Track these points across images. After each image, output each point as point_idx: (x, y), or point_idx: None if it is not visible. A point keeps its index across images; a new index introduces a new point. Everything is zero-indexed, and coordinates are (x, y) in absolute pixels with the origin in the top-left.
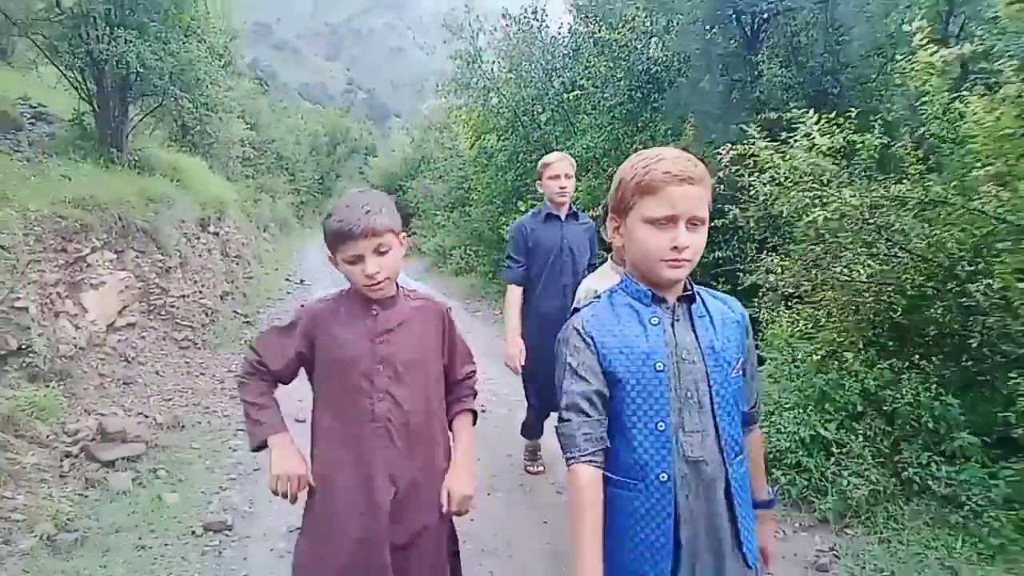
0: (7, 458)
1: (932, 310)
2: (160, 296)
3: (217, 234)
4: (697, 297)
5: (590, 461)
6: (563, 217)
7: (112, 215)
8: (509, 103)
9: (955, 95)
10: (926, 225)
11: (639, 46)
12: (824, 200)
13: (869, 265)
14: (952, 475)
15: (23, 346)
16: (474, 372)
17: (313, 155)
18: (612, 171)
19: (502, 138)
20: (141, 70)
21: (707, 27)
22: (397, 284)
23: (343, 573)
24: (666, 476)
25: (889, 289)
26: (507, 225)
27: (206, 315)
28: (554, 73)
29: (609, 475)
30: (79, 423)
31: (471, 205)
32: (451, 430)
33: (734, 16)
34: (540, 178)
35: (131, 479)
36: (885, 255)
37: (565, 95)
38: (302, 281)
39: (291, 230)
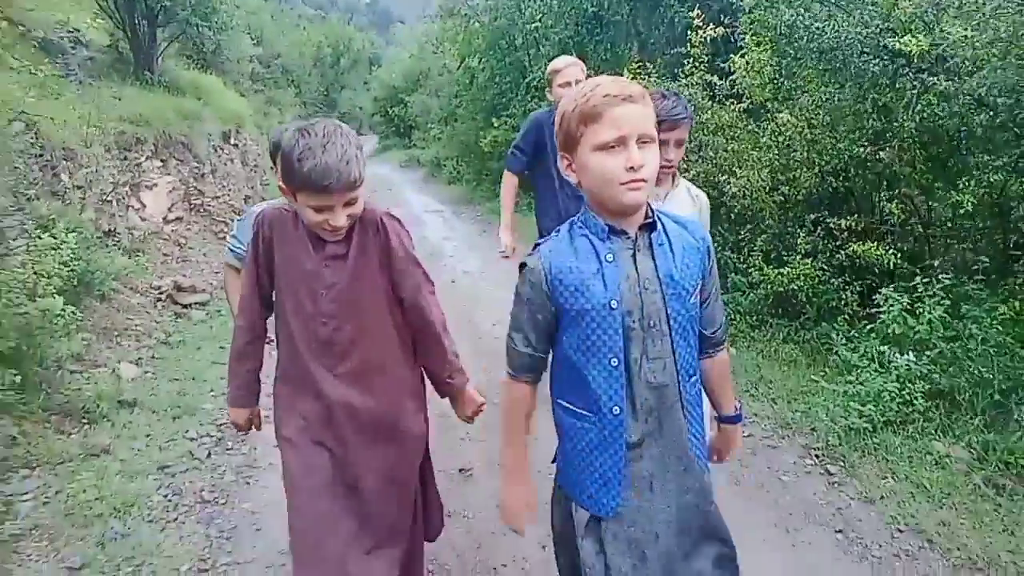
0: (123, 299)
1: None
2: (198, 197)
3: (237, 145)
4: (658, 224)
5: (525, 381)
6: None
7: (157, 129)
8: (487, 29)
9: None
10: None
11: None
12: None
13: None
14: None
15: (111, 229)
16: (445, 344)
17: (317, 67)
18: None
19: (482, 60)
20: (166, 3)
21: None
22: None
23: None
24: (618, 409)
25: None
26: (486, 139)
27: (234, 212)
28: (524, 4)
29: (566, 405)
30: (161, 281)
31: (459, 120)
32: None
33: None
34: (550, 85)
35: (204, 313)
36: None
37: (530, 25)
38: None
39: None
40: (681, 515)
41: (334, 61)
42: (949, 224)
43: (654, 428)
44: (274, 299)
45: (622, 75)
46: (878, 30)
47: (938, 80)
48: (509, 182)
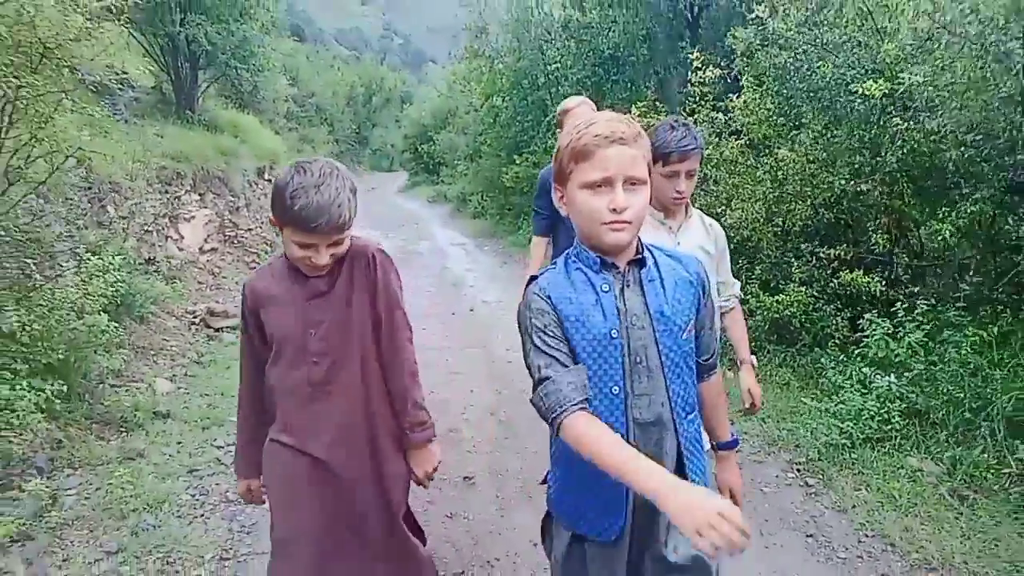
0: (160, 321)
1: None
2: (232, 229)
3: (270, 181)
4: (649, 260)
5: (580, 409)
6: None
7: (195, 165)
8: (510, 70)
9: None
10: None
11: (603, 31)
12: None
13: None
14: None
15: (151, 257)
16: (414, 372)
17: (350, 106)
18: None
19: (506, 99)
20: (208, 47)
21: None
22: None
23: (316, 542)
24: (620, 436)
25: None
26: (508, 175)
27: (267, 244)
28: (546, 46)
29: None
30: (195, 307)
31: (483, 156)
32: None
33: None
34: (560, 126)
35: (235, 336)
36: None
37: (552, 66)
38: None
39: None
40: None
41: (366, 100)
42: (934, 254)
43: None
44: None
45: (629, 112)
46: (862, 72)
47: (901, 121)
48: (539, 247)
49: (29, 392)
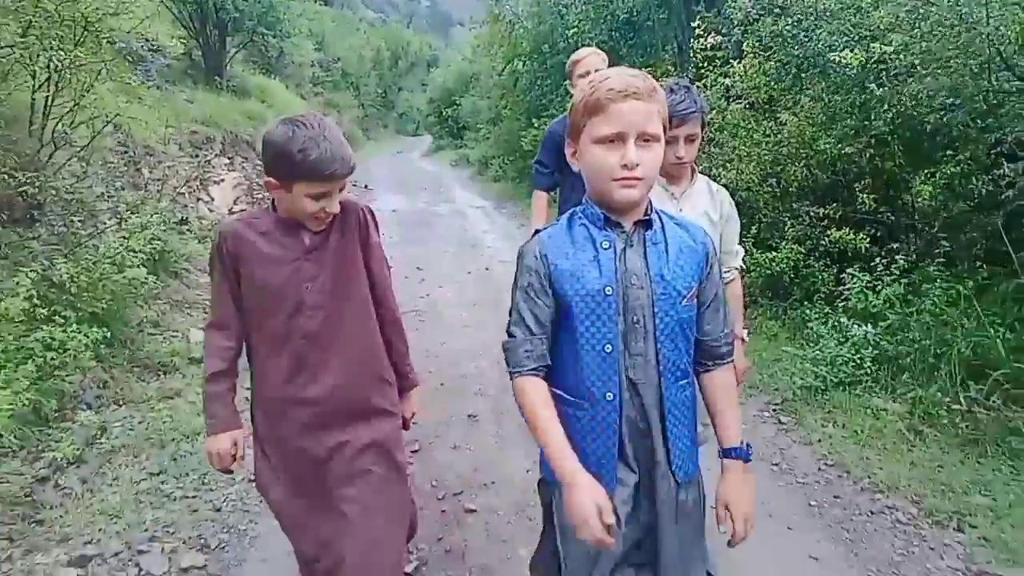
0: (192, 277)
1: None
2: (260, 191)
3: None
4: (656, 222)
5: (532, 374)
6: None
7: (224, 130)
8: (530, 34)
9: None
10: None
11: None
12: None
13: None
14: None
15: (183, 218)
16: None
17: (375, 70)
18: None
19: (526, 63)
20: (236, 14)
21: None
22: None
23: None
24: (612, 395)
25: None
26: (527, 138)
27: None
28: (565, 10)
29: (559, 393)
30: None
31: (504, 120)
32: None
33: None
34: (570, 77)
35: None
36: None
37: (570, 31)
38: (366, 186)
39: (357, 141)
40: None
41: (392, 63)
42: (918, 212)
43: (636, 425)
44: (244, 307)
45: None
46: (854, 39)
47: (877, 87)
48: (539, 201)
49: (80, 335)
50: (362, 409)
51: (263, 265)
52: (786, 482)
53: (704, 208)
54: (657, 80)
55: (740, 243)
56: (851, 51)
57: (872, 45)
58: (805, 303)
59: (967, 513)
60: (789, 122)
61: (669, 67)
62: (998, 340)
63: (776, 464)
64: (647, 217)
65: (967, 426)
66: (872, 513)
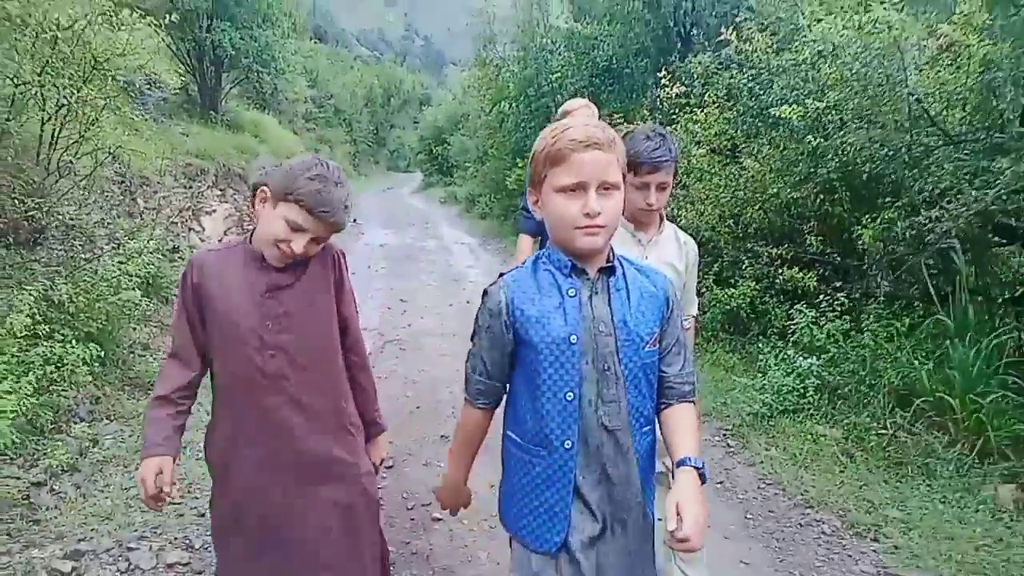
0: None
1: None
2: (250, 223)
3: None
4: (619, 269)
5: (483, 408)
6: None
7: (217, 162)
8: (516, 78)
9: None
10: None
11: (600, 44)
12: None
13: None
14: None
15: (175, 246)
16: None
17: (368, 107)
18: None
19: (512, 105)
20: (232, 52)
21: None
22: None
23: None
24: (570, 443)
25: None
26: (512, 177)
27: None
28: (549, 56)
29: (516, 439)
30: None
31: (490, 160)
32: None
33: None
34: None
35: None
36: None
37: (553, 75)
38: (355, 220)
39: (348, 177)
40: (632, 567)
41: (384, 101)
42: (860, 254)
43: (615, 474)
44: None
45: (628, 120)
46: (804, 94)
47: (813, 139)
48: (524, 244)
49: (77, 351)
50: (321, 460)
51: (226, 298)
52: (727, 498)
53: (670, 258)
54: (634, 123)
55: (700, 279)
56: (789, 106)
57: (807, 101)
58: (760, 337)
59: (883, 525)
60: (750, 167)
61: (646, 112)
62: (923, 372)
63: (720, 483)
64: (610, 264)
65: (893, 449)
66: (801, 525)
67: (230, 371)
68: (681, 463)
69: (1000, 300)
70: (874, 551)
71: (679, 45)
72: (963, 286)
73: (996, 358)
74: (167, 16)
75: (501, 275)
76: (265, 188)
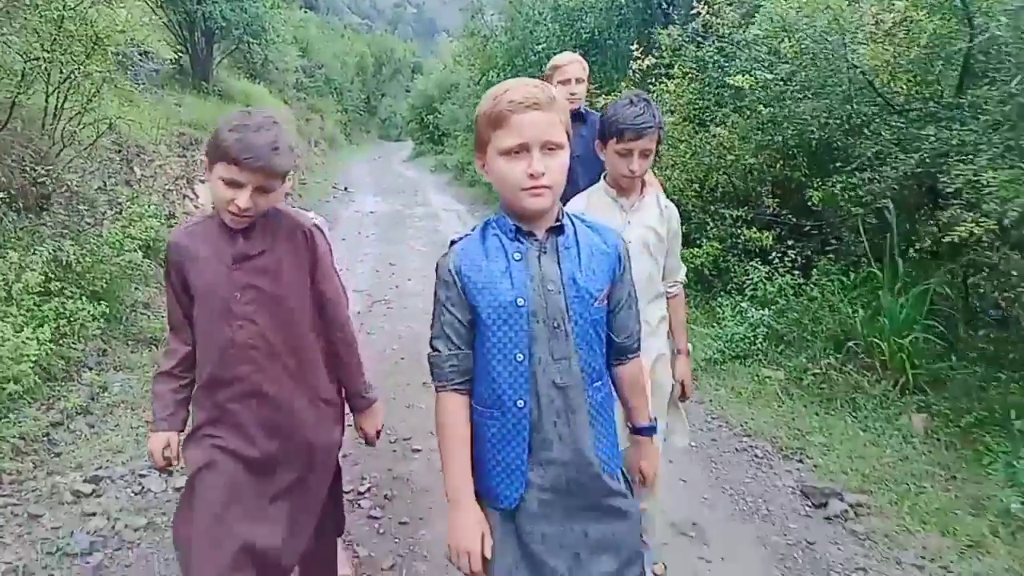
0: None
1: None
2: None
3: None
4: (569, 228)
5: (456, 390)
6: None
7: (210, 132)
8: (503, 48)
9: None
10: None
11: (583, 16)
12: None
13: None
14: None
15: (171, 212)
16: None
17: (359, 76)
18: None
19: (500, 75)
20: (223, 23)
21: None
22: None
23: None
24: (523, 403)
25: None
26: None
27: None
28: (535, 27)
29: (473, 404)
30: None
31: None
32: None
33: None
34: (549, 81)
35: None
36: None
37: (539, 46)
38: (345, 189)
39: (339, 146)
40: (585, 523)
41: (376, 70)
42: (812, 215)
43: (564, 432)
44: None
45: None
46: (765, 65)
47: (764, 107)
48: None
49: (88, 307)
50: (289, 425)
51: (197, 271)
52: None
53: (652, 223)
54: (616, 92)
55: None
56: (742, 76)
57: (756, 72)
58: (722, 293)
59: (807, 449)
60: (719, 135)
61: (623, 84)
62: (857, 319)
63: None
64: (559, 223)
65: (826, 387)
66: (737, 450)
67: (206, 342)
68: (639, 431)
69: (929, 255)
70: (797, 469)
71: (662, 17)
72: (895, 243)
73: (920, 306)
74: None
75: (452, 243)
76: (205, 157)
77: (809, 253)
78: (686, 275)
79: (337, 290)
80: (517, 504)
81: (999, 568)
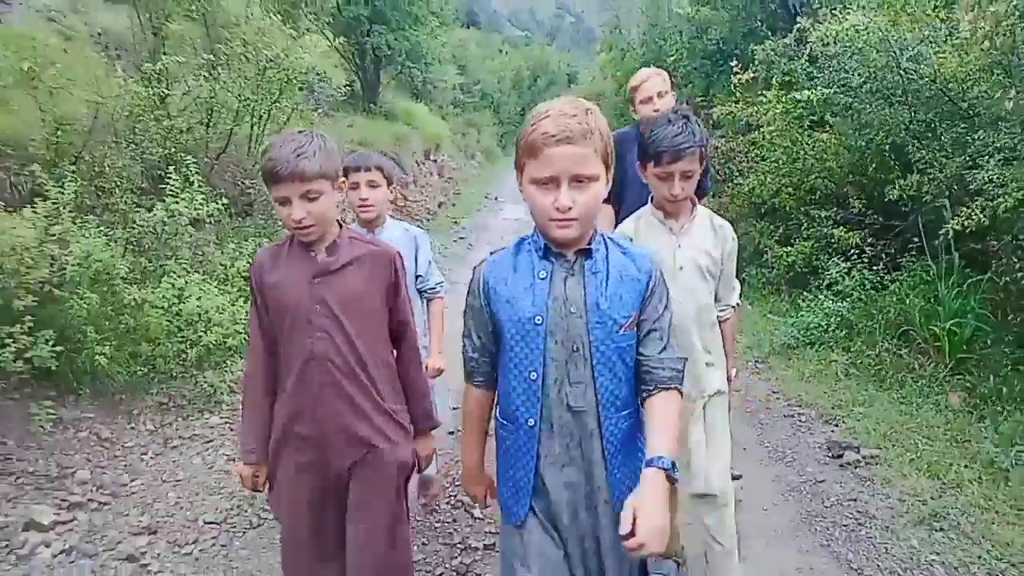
0: None
1: None
2: (403, 201)
3: (435, 161)
4: (600, 251)
5: (478, 385)
6: None
7: (377, 149)
8: (639, 61)
9: None
10: None
11: (710, 27)
12: None
13: None
14: None
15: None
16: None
17: (515, 89)
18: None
19: None
20: (388, 52)
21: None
22: (342, 225)
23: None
24: (533, 422)
25: None
26: None
27: (428, 213)
28: (663, 42)
29: (496, 415)
30: None
31: None
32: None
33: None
34: (632, 104)
35: None
36: None
37: (670, 58)
38: (496, 199)
39: (495, 158)
40: (585, 554)
41: (531, 82)
42: (899, 215)
43: (575, 456)
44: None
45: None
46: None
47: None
48: (604, 212)
49: None
50: (359, 438)
51: (276, 288)
52: (744, 409)
53: (704, 245)
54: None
55: (766, 241)
56: (809, 91)
57: (818, 88)
58: (816, 289)
59: (846, 416)
60: (823, 140)
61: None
62: (916, 309)
63: (738, 390)
64: (588, 247)
65: (880, 368)
66: (784, 417)
67: (288, 354)
68: (649, 463)
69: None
70: (832, 431)
71: (791, 25)
72: (951, 238)
73: (974, 295)
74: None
75: (491, 254)
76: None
77: (892, 251)
78: (777, 275)
79: (409, 315)
80: (523, 521)
81: (967, 503)
